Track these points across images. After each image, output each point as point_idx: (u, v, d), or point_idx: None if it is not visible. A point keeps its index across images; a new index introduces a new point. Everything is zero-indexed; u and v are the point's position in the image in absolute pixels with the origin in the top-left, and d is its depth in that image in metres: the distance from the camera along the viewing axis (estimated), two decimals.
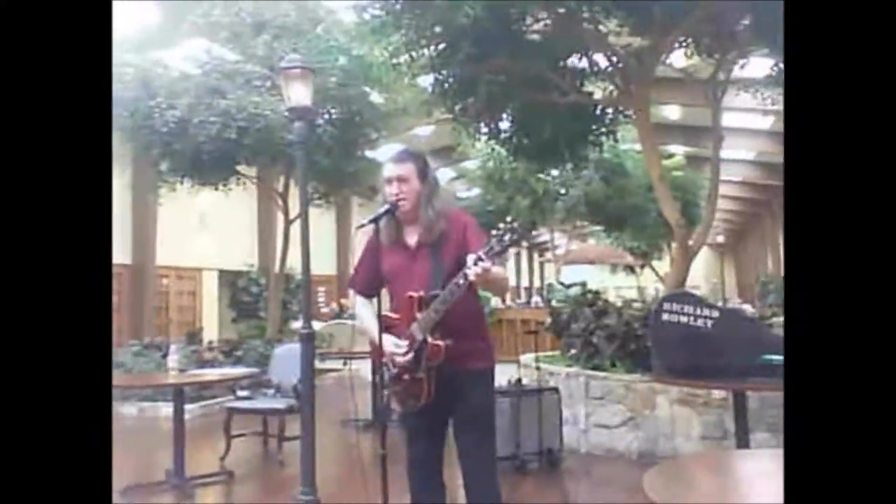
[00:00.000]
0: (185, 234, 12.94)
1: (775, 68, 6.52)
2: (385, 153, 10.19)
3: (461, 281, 2.24)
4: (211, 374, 5.89)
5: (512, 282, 27.74)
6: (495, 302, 12.08)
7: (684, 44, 6.40)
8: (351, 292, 2.77)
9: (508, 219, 2.23)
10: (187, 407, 5.24)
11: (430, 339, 2.37)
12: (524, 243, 27.87)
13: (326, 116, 8.93)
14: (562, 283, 15.53)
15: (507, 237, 2.16)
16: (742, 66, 6.71)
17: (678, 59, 6.92)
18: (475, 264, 2.16)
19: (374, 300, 2.66)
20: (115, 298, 11.40)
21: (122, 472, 4.96)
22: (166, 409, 6.50)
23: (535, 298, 18.96)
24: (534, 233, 19.92)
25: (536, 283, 34.21)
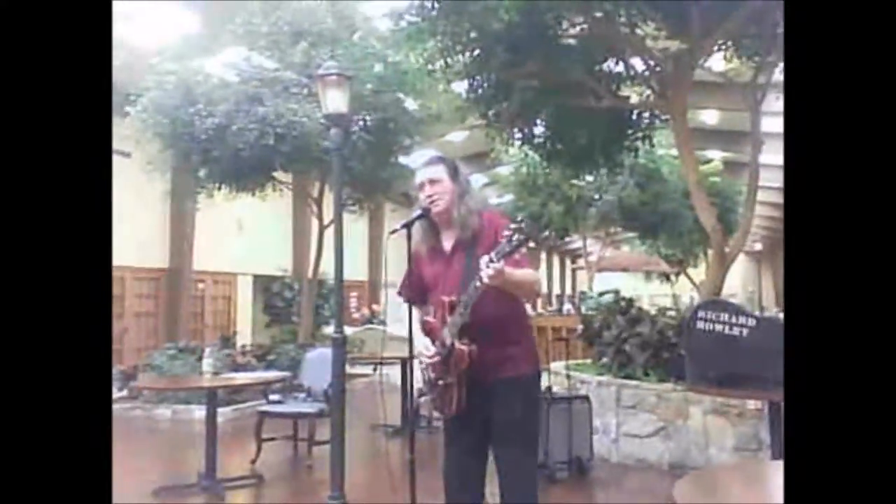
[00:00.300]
0: (222, 240, 13.17)
1: None
2: (418, 159, 10.25)
3: (477, 283, 2.24)
4: (243, 377, 5.96)
5: (544, 289, 27.55)
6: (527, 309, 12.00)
7: (723, 47, 6.29)
8: (393, 300, 2.78)
9: (519, 219, 2.22)
10: (220, 410, 5.32)
11: (456, 344, 2.36)
12: (556, 249, 27.65)
13: (361, 123, 9.01)
14: (588, 292, 15.36)
15: (515, 238, 2.15)
16: (782, 70, 6.57)
17: (717, 62, 6.80)
18: (487, 266, 2.16)
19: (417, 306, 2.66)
20: (151, 302, 11.66)
21: (155, 474, 5.06)
22: (199, 411, 6.60)
23: (567, 306, 18.78)
24: (567, 239, 19.72)
25: (568, 291, 33.91)
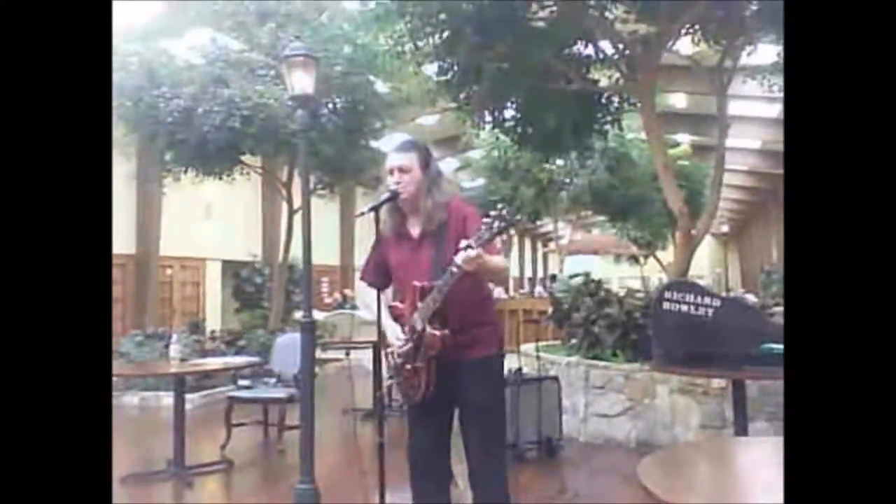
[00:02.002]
0: (189, 225, 12.96)
1: (782, 55, 6.45)
2: (389, 143, 10.18)
3: (454, 269, 2.25)
4: (212, 363, 5.90)
5: (515, 272, 27.72)
6: (498, 292, 12.07)
7: (691, 30, 6.33)
8: (358, 283, 2.77)
9: (499, 206, 2.24)
10: (189, 396, 5.27)
11: (427, 329, 2.37)
12: (528, 233, 27.80)
13: (330, 106, 8.90)
14: (559, 274, 15.52)
15: (495, 225, 2.18)
16: (749, 54, 6.64)
17: (685, 46, 6.84)
18: (465, 251, 2.18)
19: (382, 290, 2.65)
20: (118, 288, 11.43)
21: (123, 462, 5.00)
22: (167, 398, 6.53)
23: (539, 288, 18.94)
24: (538, 222, 19.86)
25: (540, 274, 34.17)
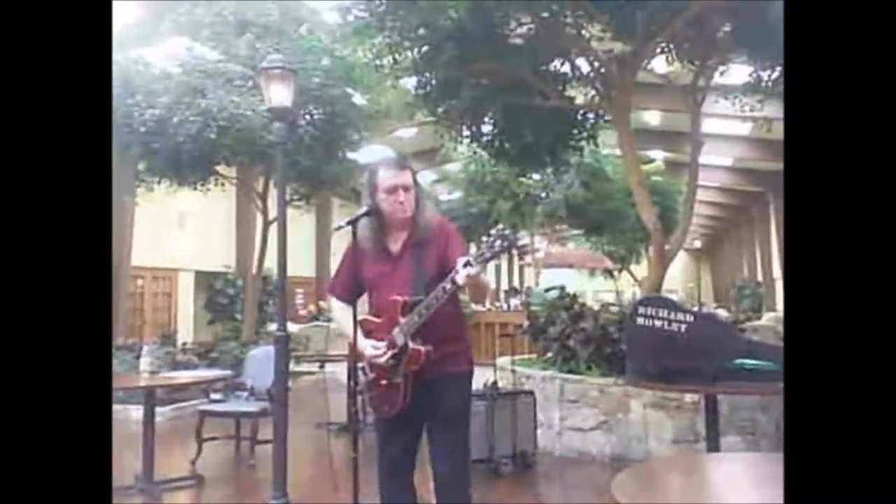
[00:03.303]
0: (162, 235, 12.78)
1: (754, 75, 6.60)
2: (366, 155, 10.16)
3: (448, 285, 2.25)
4: (183, 376, 5.80)
5: (493, 284, 27.79)
6: (476, 305, 12.08)
7: (665, 50, 6.46)
8: (331, 297, 2.75)
9: (500, 226, 2.27)
10: (159, 410, 5.17)
11: (411, 344, 2.36)
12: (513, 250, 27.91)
13: (308, 117, 8.88)
14: (535, 288, 15.60)
15: (497, 244, 2.20)
16: (722, 73, 6.79)
17: (659, 64, 6.97)
18: (465, 268, 2.18)
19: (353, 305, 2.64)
20: None
21: None
22: (137, 411, 6.40)
23: (515, 301, 18.98)
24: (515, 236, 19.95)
25: (517, 286, 34.24)
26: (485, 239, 2.23)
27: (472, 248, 2.49)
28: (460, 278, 2.19)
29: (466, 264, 2.18)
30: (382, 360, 2.42)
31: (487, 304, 18.42)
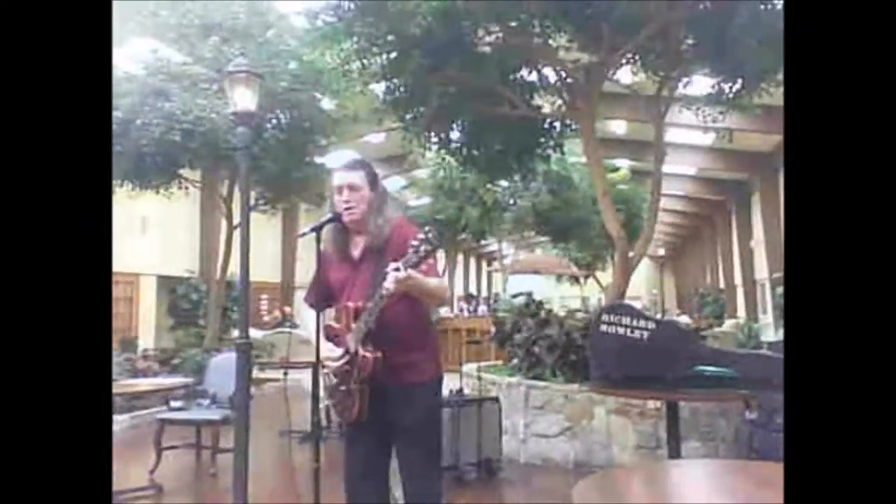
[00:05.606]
0: (124, 239, 12.50)
1: (716, 87, 6.75)
2: (334, 160, 10.09)
3: (383, 291, 2.25)
4: (142, 383, 5.69)
5: (461, 290, 27.83)
6: (444, 311, 12.10)
7: (631, 60, 6.56)
8: (303, 303, 2.73)
9: (426, 228, 2.25)
10: (117, 418, 5.05)
11: (360, 351, 2.35)
12: (472, 252, 27.99)
13: (275, 121, 8.80)
14: (502, 294, 15.69)
15: (422, 248, 2.19)
16: (685, 84, 6.93)
17: (625, 75, 7.08)
18: (392, 275, 2.19)
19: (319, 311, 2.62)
20: None
21: None
22: None
23: (483, 307, 19.06)
24: (482, 242, 20.05)
25: (484, 293, 34.39)
26: (413, 243, 2.21)
27: (441, 254, 2.48)
28: (388, 283, 2.19)
29: (395, 269, 2.18)
30: (335, 365, 2.41)
31: (455, 310, 18.44)
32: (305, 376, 6.67)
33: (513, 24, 5.89)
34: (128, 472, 5.06)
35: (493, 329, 6.63)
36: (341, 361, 2.40)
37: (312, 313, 2.59)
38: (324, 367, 2.51)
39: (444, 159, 12.15)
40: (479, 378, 5.72)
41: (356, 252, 2.53)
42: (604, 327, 3.73)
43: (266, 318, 15.57)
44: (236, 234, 9.24)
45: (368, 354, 2.34)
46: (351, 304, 2.41)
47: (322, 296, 2.60)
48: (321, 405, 2.58)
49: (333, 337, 2.48)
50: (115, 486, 4.36)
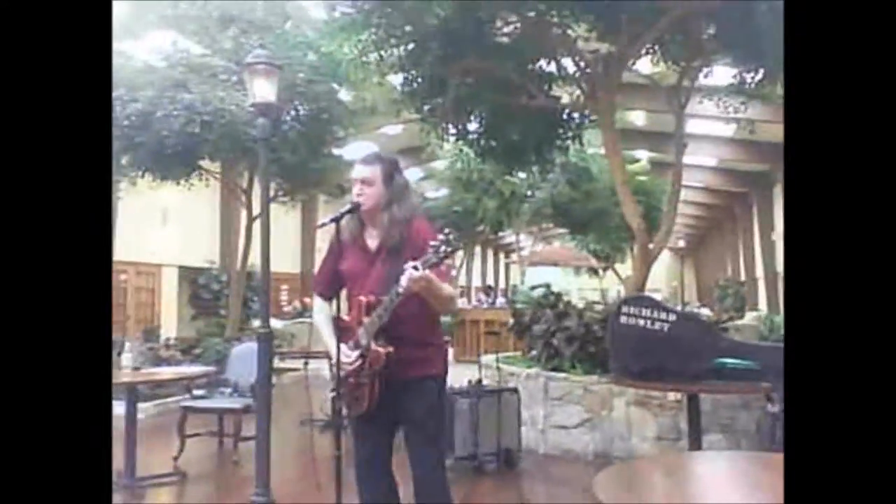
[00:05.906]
0: (145, 230, 12.67)
1: (738, 77, 6.66)
2: (353, 151, 10.13)
3: (399, 289, 2.27)
4: (165, 372, 5.77)
5: (478, 282, 27.82)
6: (461, 302, 12.11)
7: (650, 51, 6.50)
8: (314, 294, 2.77)
9: (447, 230, 2.26)
10: (141, 406, 5.13)
11: (372, 345, 2.38)
12: (490, 243, 27.94)
13: (293, 113, 8.83)
14: (520, 286, 15.66)
15: (442, 249, 2.20)
16: (706, 75, 6.84)
17: (644, 65, 7.01)
18: (410, 274, 2.20)
19: (333, 302, 2.64)
20: None
21: None
22: (118, 407, 6.33)
23: (501, 299, 19.03)
24: (500, 234, 20.01)
25: (502, 285, 34.36)
26: (432, 244, 2.22)
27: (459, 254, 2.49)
28: (404, 281, 2.21)
29: (413, 268, 2.19)
30: (347, 359, 2.45)
31: (473, 301, 18.44)
32: (325, 365, 6.72)
33: (531, 13, 5.86)
34: (153, 459, 5.15)
35: (511, 320, 6.63)
36: (354, 356, 2.44)
37: (319, 303, 2.66)
38: (333, 359, 2.54)
39: (461, 150, 12.17)
40: (499, 369, 5.73)
41: (372, 244, 2.55)
42: (624, 319, 3.72)
43: (286, 309, 15.70)
44: (256, 224, 9.33)
45: (381, 349, 2.37)
46: (363, 299, 2.44)
47: (330, 285, 2.63)
48: (329, 396, 2.62)
49: (344, 329, 2.50)
50: (141, 472, 4.46)
